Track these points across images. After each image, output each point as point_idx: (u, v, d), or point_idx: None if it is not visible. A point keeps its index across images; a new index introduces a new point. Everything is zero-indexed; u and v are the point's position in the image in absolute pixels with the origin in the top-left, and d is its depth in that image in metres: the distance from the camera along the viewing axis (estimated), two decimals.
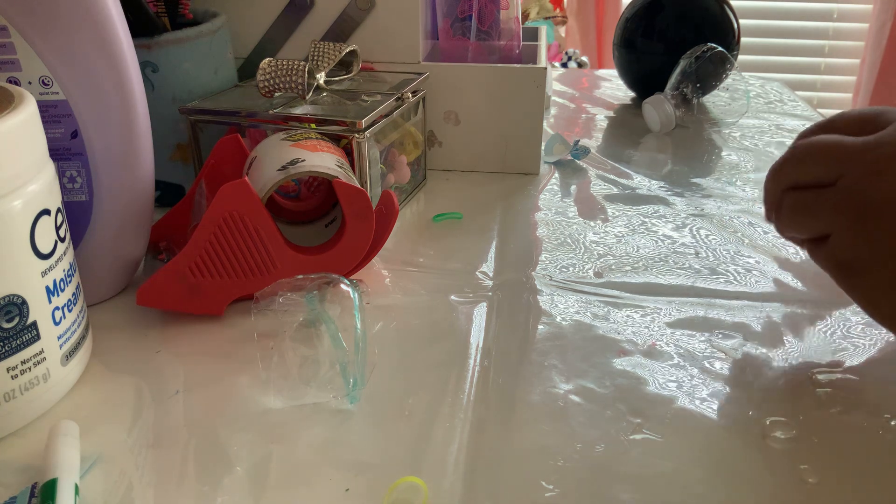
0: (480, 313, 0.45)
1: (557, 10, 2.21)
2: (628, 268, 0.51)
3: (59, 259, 0.35)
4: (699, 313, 0.45)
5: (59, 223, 0.36)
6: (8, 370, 0.33)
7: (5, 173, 0.32)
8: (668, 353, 0.41)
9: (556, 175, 0.68)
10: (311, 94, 0.55)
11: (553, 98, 0.96)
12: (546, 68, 0.66)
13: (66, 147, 0.41)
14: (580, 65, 2.12)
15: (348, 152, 0.51)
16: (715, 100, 0.89)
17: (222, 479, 0.32)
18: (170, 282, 0.42)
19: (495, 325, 0.44)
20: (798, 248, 0.47)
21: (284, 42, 0.67)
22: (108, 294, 0.46)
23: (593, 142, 0.79)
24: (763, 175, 0.41)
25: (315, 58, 0.59)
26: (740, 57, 0.89)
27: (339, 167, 0.46)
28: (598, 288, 0.48)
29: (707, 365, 0.40)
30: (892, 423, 0.35)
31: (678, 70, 0.79)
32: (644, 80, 0.90)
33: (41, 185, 0.34)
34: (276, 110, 0.53)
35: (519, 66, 0.65)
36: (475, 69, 0.65)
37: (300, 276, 0.40)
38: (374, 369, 0.39)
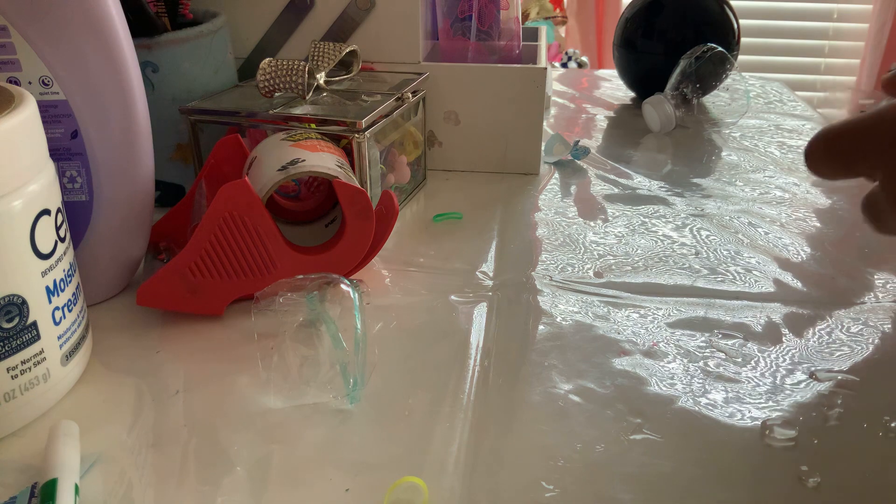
0: (480, 313, 0.45)
1: (557, 10, 2.21)
2: (628, 268, 0.51)
3: (59, 259, 0.35)
4: (699, 313, 0.45)
5: (59, 223, 0.36)
6: (8, 370, 0.33)
7: (5, 173, 0.32)
8: (668, 353, 0.41)
9: (556, 175, 0.68)
10: (311, 94, 0.55)
11: (553, 98, 0.96)
12: (546, 68, 0.66)
13: (66, 147, 0.41)
14: (580, 65, 2.12)
15: (348, 152, 0.51)
16: (715, 100, 0.89)
17: (222, 479, 0.32)
18: (170, 282, 0.42)
19: (495, 325, 0.44)
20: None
21: (284, 42, 0.67)
22: (108, 294, 0.46)
23: (593, 142, 0.79)
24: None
25: (315, 58, 0.59)
26: (740, 57, 0.89)
27: (339, 167, 0.46)
28: (598, 288, 0.48)
29: (707, 365, 0.40)
30: (892, 424, 0.36)
31: (678, 70, 0.79)
32: (644, 80, 0.90)
33: (41, 185, 0.34)
34: (276, 110, 0.53)
35: (519, 66, 0.65)
36: (475, 69, 0.65)
37: (300, 276, 0.40)
38: (374, 369, 0.39)
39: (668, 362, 0.40)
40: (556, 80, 1.06)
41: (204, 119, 0.54)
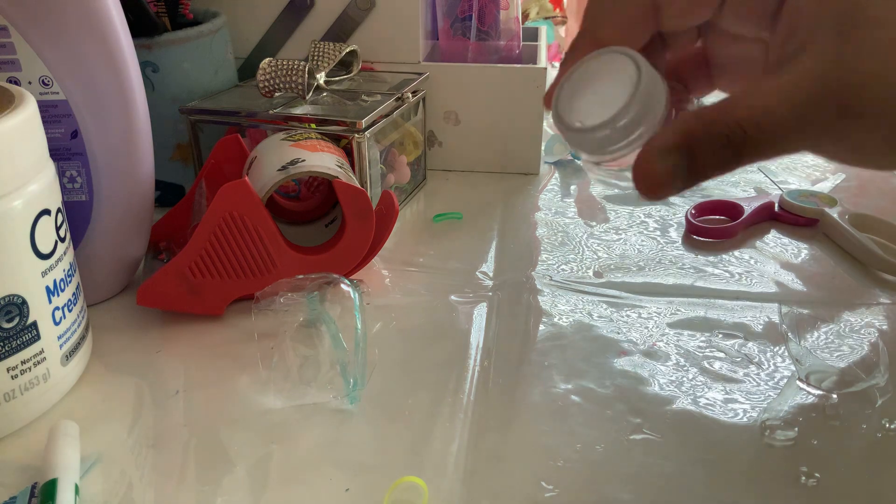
0: (480, 313, 0.45)
1: (557, 10, 2.21)
2: (628, 268, 0.51)
3: (59, 259, 0.35)
4: (699, 313, 0.45)
5: (59, 223, 0.36)
6: (8, 370, 0.33)
7: (5, 173, 0.32)
8: (668, 354, 0.41)
9: (556, 175, 0.68)
10: (311, 94, 0.55)
11: None
12: (546, 68, 0.66)
13: (66, 147, 0.41)
14: None
15: (348, 152, 0.51)
16: (715, 100, 0.89)
17: (222, 479, 0.32)
18: (170, 282, 0.42)
19: (495, 325, 0.44)
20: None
21: (284, 42, 0.67)
22: (108, 294, 0.46)
23: None
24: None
25: (315, 58, 0.59)
26: None
27: (339, 167, 0.46)
28: (598, 288, 0.48)
29: (707, 365, 0.40)
30: (891, 425, 0.36)
31: None
32: None
33: (41, 185, 0.34)
34: (276, 110, 0.53)
35: (519, 66, 0.65)
36: (475, 69, 0.65)
37: (300, 276, 0.40)
38: (374, 369, 0.39)
39: (669, 362, 0.40)
40: None
41: (204, 119, 0.54)
